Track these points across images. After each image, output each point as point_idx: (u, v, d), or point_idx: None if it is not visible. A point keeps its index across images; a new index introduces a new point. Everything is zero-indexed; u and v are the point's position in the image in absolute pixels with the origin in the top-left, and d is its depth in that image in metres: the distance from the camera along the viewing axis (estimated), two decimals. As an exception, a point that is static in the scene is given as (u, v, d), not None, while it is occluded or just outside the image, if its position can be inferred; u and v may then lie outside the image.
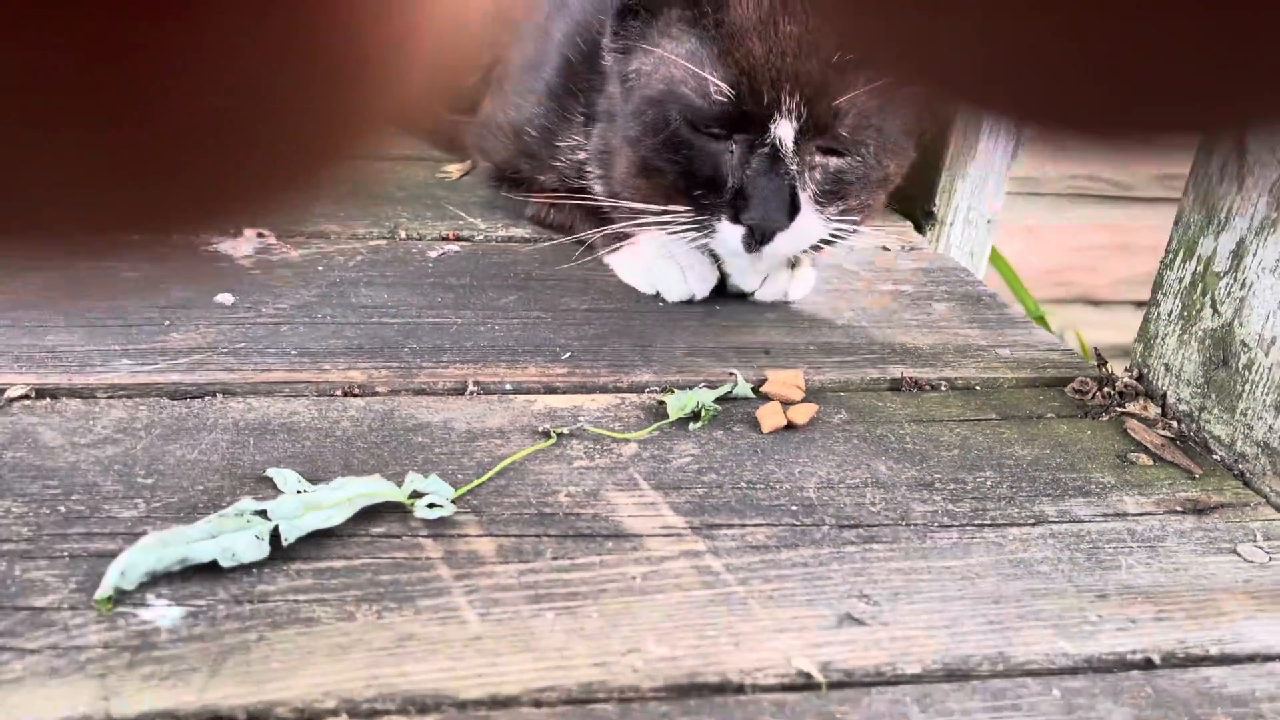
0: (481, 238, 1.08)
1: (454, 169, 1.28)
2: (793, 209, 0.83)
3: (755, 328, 0.93)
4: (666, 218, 0.88)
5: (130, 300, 0.86)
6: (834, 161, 0.85)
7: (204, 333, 0.82)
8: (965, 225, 1.23)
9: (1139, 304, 2.43)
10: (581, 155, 1.00)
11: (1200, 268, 0.81)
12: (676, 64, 0.83)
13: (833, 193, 0.86)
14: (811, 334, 0.93)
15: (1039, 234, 2.26)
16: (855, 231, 0.90)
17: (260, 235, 1.02)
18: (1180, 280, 0.83)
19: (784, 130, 0.81)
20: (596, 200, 1.01)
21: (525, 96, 1.07)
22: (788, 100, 0.80)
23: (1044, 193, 2.24)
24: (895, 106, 0.86)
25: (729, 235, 0.84)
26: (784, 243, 0.85)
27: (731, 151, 0.83)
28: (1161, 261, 0.86)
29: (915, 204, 1.24)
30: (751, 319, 0.95)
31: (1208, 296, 0.80)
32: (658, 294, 0.97)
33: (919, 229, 1.23)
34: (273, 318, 0.86)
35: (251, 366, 0.78)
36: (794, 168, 0.82)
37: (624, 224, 0.97)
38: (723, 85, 0.80)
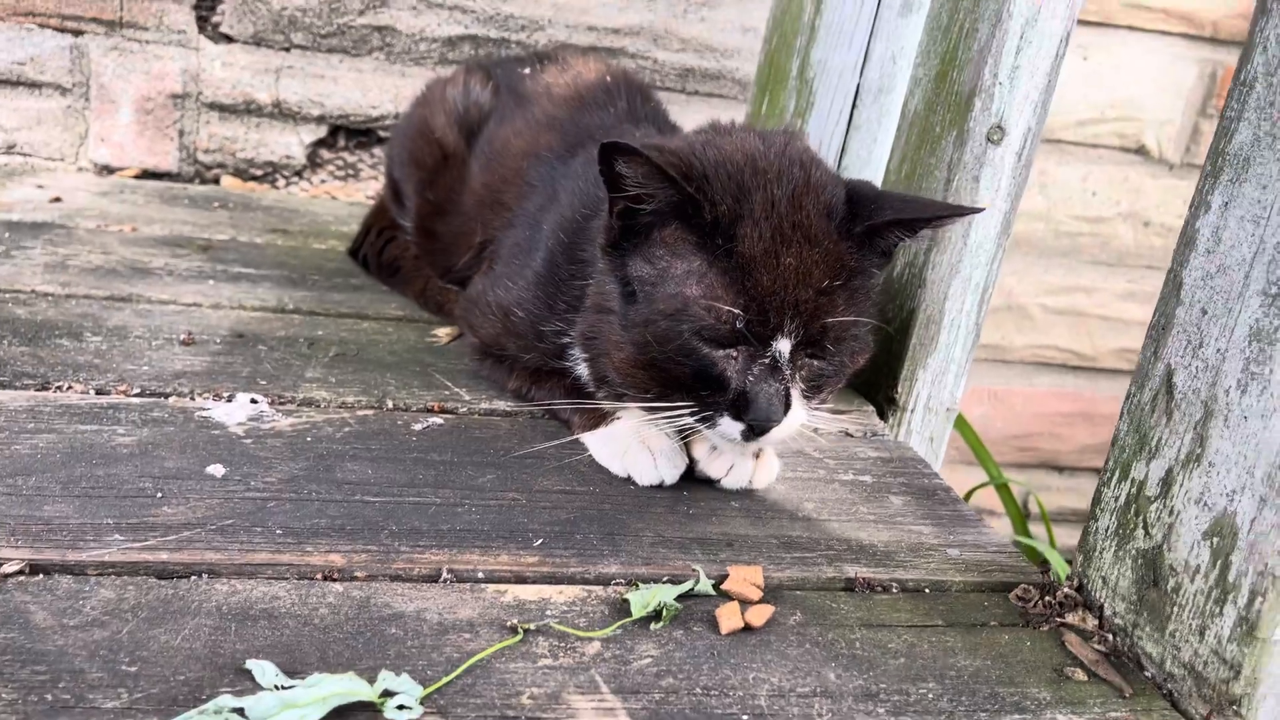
0: (465, 409, 1.13)
1: (443, 333, 1.34)
2: (786, 407, 0.92)
3: (721, 517, 0.98)
4: (668, 411, 0.95)
5: (124, 467, 0.91)
6: (819, 364, 0.95)
7: (194, 506, 0.86)
8: (926, 412, 1.29)
9: (1100, 471, 2.49)
10: (565, 340, 1.07)
11: (1134, 490, 0.87)
12: (686, 283, 0.91)
13: (817, 387, 0.96)
14: (774, 526, 0.98)
15: (1004, 399, 2.34)
16: (823, 412, 0.99)
17: (253, 401, 1.07)
18: (1116, 499, 0.89)
19: (783, 345, 0.90)
20: (578, 380, 1.08)
21: (514, 280, 1.13)
22: (789, 324, 0.89)
23: (1010, 360, 2.32)
24: (865, 313, 0.95)
25: (730, 429, 0.93)
26: (777, 433, 0.93)
27: (734, 358, 0.91)
28: (1100, 478, 0.91)
29: (879, 390, 1.31)
30: (718, 507, 1.00)
31: (1140, 518, 0.86)
32: (629, 477, 1.02)
33: (881, 414, 1.29)
34: (260, 493, 0.90)
35: (238, 546, 0.82)
36: (788, 372, 0.92)
37: (606, 403, 1.04)
38: (736, 311, 0.88)
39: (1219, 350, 0.80)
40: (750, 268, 0.89)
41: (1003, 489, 2.11)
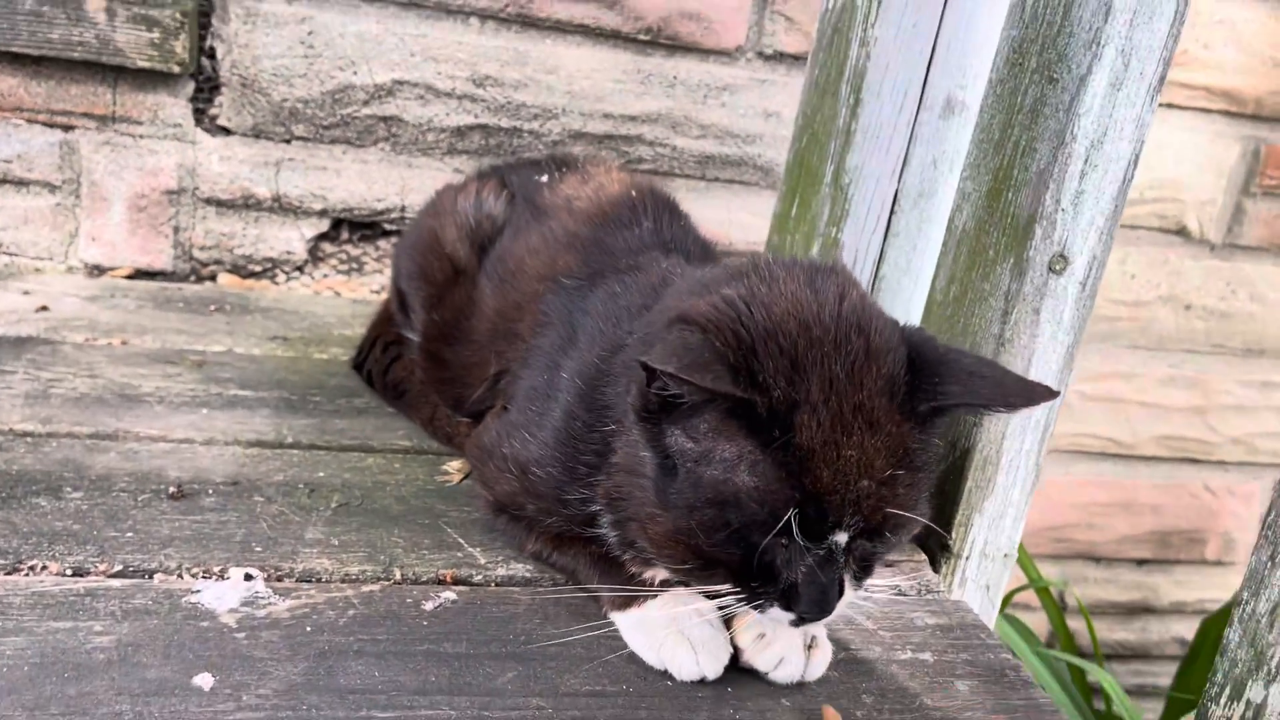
0: (480, 578, 1.03)
1: (454, 470, 1.24)
2: (839, 595, 0.85)
3: (770, 722, 0.87)
4: (708, 592, 0.88)
5: (100, 682, 0.80)
6: (874, 548, 0.87)
7: (177, 737, 0.76)
8: (982, 559, 1.19)
9: (1139, 562, 2.38)
10: (594, 508, 0.96)
11: (1250, 714, 0.76)
12: (736, 470, 0.82)
13: (868, 568, 0.88)
14: (830, 734, 0.87)
15: (1040, 489, 2.23)
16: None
17: (248, 577, 0.97)
18: (1229, 719, 0.78)
19: (840, 538, 0.82)
20: (606, 549, 0.97)
21: (532, 433, 1.03)
22: (848, 518, 0.81)
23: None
24: (925, 491, 0.87)
25: (779, 616, 0.86)
26: (827, 619, 0.86)
27: (784, 547, 0.83)
28: (1206, 692, 0.81)
29: (931, 534, 1.20)
30: (767, 707, 0.89)
31: (1260, 750, 0.75)
32: (666, 670, 0.91)
33: (934, 563, 1.19)
34: (254, 711, 0.80)
35: (225, 797, 0.71)
36: (842, 561, 0.84)
37: (639, 575, 0.94)
38: (791, 507, 0.79)
39: (1356, 571, 0.69)
40: (808, 460, 0.80)
41: (1043, 594, 2.00)
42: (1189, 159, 2.07)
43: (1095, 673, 1.70)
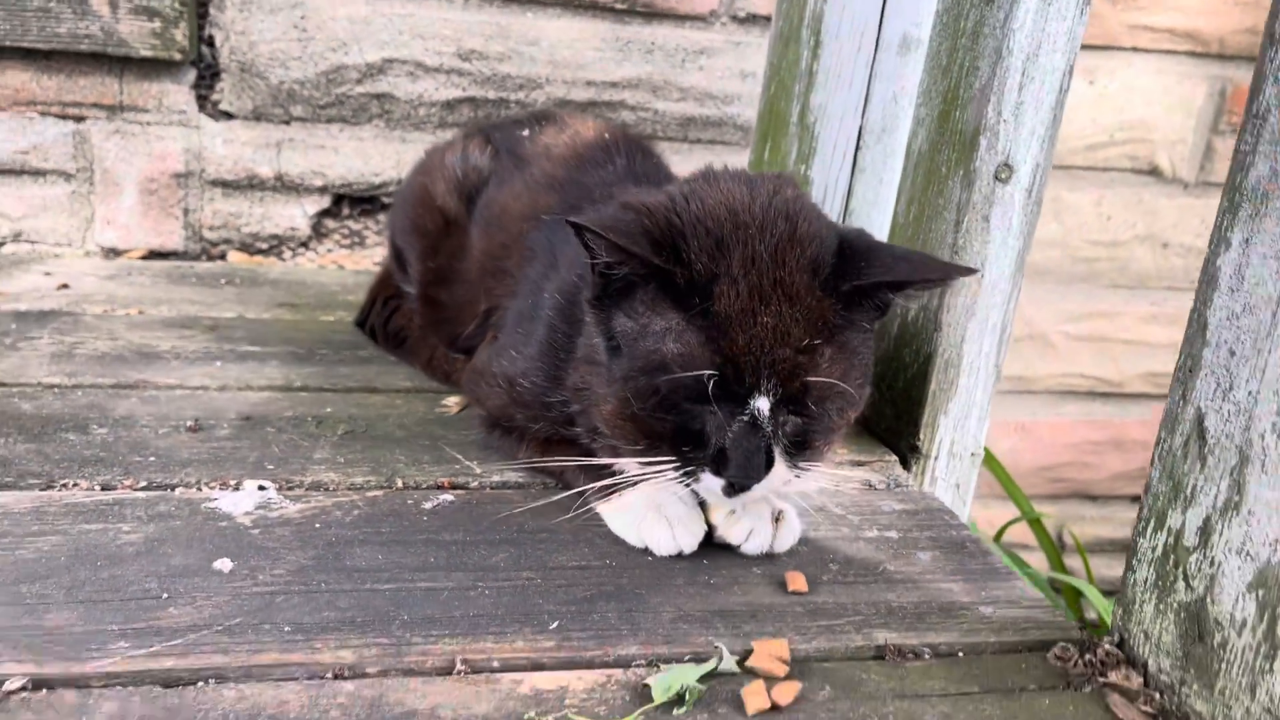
0: (477, 484, 1.11)
1: (453, 403, 1.32)
2: (767, 464, 0.91)
3: (743, 585, 0.95)
4: (652, 466, 0.94)
5: (130, 567, 0.89)
6: (802, 422, 0.93)
7: (200, 606, 0.84)
8: (950, 458, 1.26)
9: (1135, 499, 2.44)
10: (573, 409, 1.04)
11: (1171, 540, 0.83)
12: (664, 340, 0.90)
13: (801, 444, 0.94)
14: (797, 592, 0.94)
15: (1032, 431, 2.29)
16: (817, 469, 0.97)
17: (261, 488, 1.05)
18: (1153, 549, 0.85)
19: (761, 403, 0.89)
20: (588, 449, 1.05)
21: (519, 349, 1.11)
22: (765, 383, 0.88)
23: (1035, 390, 2.28)
24: (854, 369, 0.93)
25: (711, 484, 0.92)
26: (760, 489, 0.93)
27: (714, 413, 0.90)
28: (1135, 528, 0.88)
29: (901, 437, 1.27)
30: (739, 574, 0.97)
31: (1180, 569, 0.82)
32: (646, 547, 0.99)
33: (904, 463, 1.26)
34: (268, 587, 0.88)
35: (246, 647, 0.79)
36: (768, 429, 0.90)
37: (613, 464, 1.02)
38: (712, 370, 0.87)
39: (1250, 393, 0.76)
40: (726, 326, 0.88)
41: (1035, 524, 2.06)
42: (1157, 100, 2.13)
43: (1086, 590, 1.76)
